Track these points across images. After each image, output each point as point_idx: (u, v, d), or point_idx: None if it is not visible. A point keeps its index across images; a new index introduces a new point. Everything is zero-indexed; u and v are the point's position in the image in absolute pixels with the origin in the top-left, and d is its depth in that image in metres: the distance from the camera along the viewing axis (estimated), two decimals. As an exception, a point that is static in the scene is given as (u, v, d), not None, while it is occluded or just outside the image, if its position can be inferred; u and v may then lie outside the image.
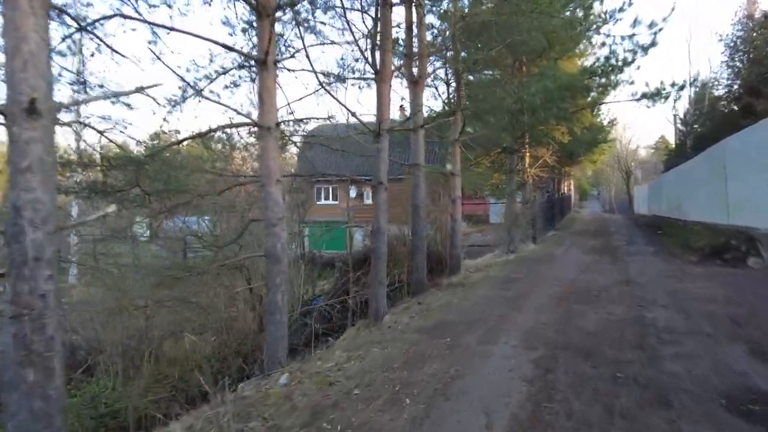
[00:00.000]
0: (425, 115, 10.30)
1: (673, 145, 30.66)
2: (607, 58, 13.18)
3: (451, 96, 10.47)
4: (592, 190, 79.29)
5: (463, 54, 11.08)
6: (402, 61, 7.37)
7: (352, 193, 31.55)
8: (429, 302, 7.87)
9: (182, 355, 7.77)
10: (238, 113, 5.55)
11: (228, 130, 6.38)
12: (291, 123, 7.32)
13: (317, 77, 6.28)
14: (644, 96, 13.25)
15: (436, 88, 10.89)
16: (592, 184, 75.38)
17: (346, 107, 6.51)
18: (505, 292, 8.07)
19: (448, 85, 10.42)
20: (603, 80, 14.46)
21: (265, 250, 4.81)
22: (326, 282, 11.63)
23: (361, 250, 11.31)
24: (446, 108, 10.45)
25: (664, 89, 13.37)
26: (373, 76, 6.55)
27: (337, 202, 32.24)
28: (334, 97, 6.41)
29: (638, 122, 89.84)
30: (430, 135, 11.44)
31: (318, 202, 32.43)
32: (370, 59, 6.42)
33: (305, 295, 9.79)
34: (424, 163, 8.75)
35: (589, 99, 16.23)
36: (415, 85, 8.57)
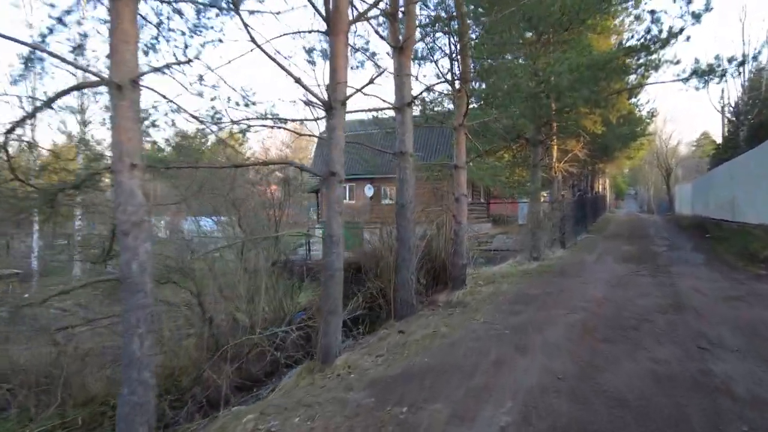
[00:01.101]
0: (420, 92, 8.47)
1: (721, 139, 27.73)
2: (649, 30, 11.01)
3: (454, 71, 8.61)
4: (628, 189, 75.40)
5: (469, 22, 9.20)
6: (367, 7, 5.59)
7: (369, 192, 29.98)
8: (412, 331, 6.06)
9: (102, 391, 6.21)
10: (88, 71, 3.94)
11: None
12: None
13: (247, 29, 4.57)
14: (695, 73, 11.01)
15: (436, 63, 8.97)
16: (628, 182, 71.52)
17: (288, 71, 4.77)
18: (512, 318, 6.19)
19: (451, 59, 8.57)
20: (643, 58, 12.27)
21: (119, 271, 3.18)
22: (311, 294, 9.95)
23: (348, 256, 9.55)
24: (450, 84, 8.56)
25: (719, 65, 11.10)
26: (324, 28, 4.80)
27: (354, 202, 30.75)
28: (270, 57, 4.70)
29: (679, 116, 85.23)
30: (427, 122, 9.59)
31: (334, 201, 30.99)
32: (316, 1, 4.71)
33: (276, 312, 8.10)
34: (413, 152, 6.94)
35: (627, 82, 14.03)
36: (401, 51, 6.77)
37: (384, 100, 6.85)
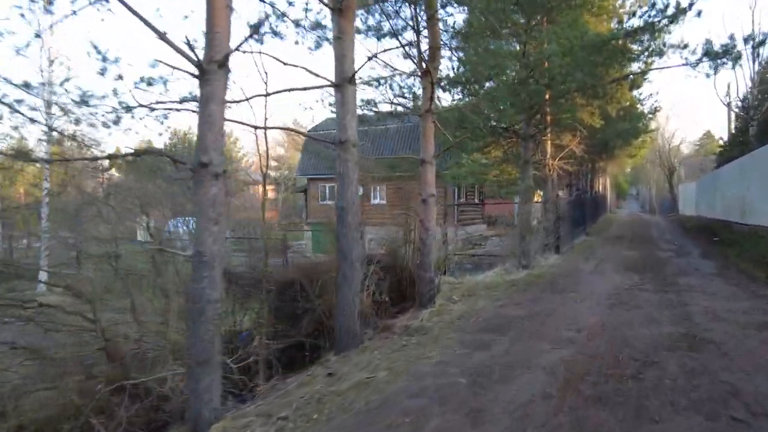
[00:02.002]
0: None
1: (727, 136, 26.20)
2: (653, 3, 9.55)
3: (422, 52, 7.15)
4: (630, 189, 73.87)
5: None
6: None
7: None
8: (345, 373, 4.62)
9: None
10: None
11: None
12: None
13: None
14: (707, 55, 9.52)
15: (396, 35, 7.43)
16: (630, 181, 69.95)
17: (147, 22, 3.31)
18: (477, 355, 4.74)
19: (416, 31, 7.12)
20: (646, 41, 10.78)
21: None
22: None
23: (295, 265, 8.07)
24: (414, 60, 7.11)
25: (734, 46, 9.64)
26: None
27: (341, 202, 29.11)
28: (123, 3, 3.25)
29: (682, 113, 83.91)
30: (393, 110, 8.08)
31: (321, 202, 29.67)
32: None
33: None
34: (356, 139, 5.49)
35: (628, 69, 12.58)
36: (340, 14, 5.33)
37: (318, 75, 5.40)
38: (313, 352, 6.95)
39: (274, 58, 5.29)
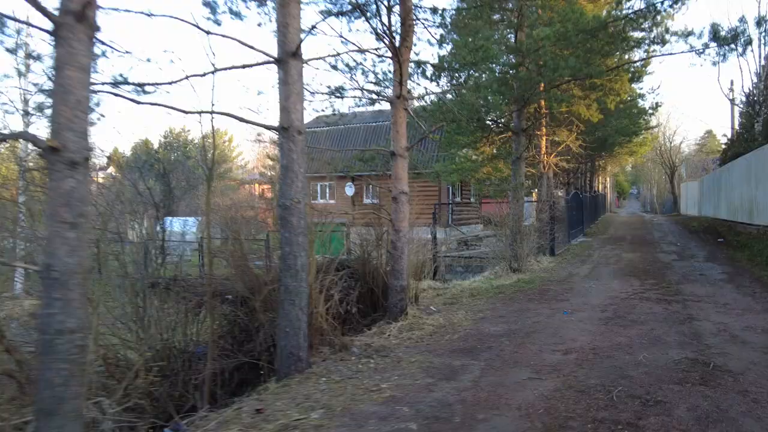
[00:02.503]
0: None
1: (731, 133, 25.24)
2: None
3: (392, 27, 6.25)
4: (631, 188, 72.92)
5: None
6: None
7: (349, 191, 27.64)
8: (277, 411, 3.73)
9: None
10: None
11: None
12: None
13: None
14: (715, 39, 8.63)
15: (361, 7, 6.45)
16: (631, 181, 69.02)
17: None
18: (440, 387, 3.85)
19: (388, 7, 6.23)
20: (648, 26, 9.87)
21: None
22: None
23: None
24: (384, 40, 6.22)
25: (745, 30, 8.74)
26: None
27: (334, 201, 28.54)
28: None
29: (682, 113, 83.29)
30: (362, 97, 7.15)
31: (314, 201, 28.86)
32: None
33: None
34: (302, 125, 4.60)
35: (625, 55, 11.70)
36: (281, -25, 4.45)
37: (255, 48, 4.51)
38: (269, 372, 6.07)
39: (192, 24, 4.39)
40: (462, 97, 8.83)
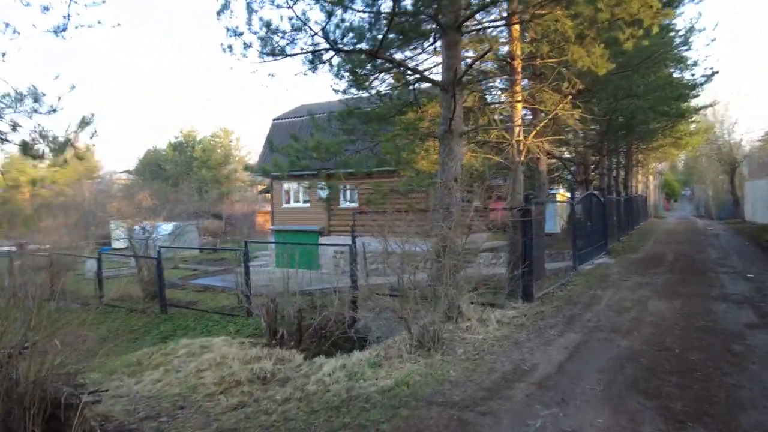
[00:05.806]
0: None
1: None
2: None
3: None
4: (683, 189, 64.85)
5: None
6: None
7: (322, 193, 22.94)
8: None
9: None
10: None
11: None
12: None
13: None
14: None
15: None
16: (683, 180, 61.03)
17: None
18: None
19: None
20: None
21: None
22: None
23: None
24: None
25: None
26: None
27: (308, 205, 24.19)
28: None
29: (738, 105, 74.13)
30: None
31: (285, 205, 24.49)
32: None
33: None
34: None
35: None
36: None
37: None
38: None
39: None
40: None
